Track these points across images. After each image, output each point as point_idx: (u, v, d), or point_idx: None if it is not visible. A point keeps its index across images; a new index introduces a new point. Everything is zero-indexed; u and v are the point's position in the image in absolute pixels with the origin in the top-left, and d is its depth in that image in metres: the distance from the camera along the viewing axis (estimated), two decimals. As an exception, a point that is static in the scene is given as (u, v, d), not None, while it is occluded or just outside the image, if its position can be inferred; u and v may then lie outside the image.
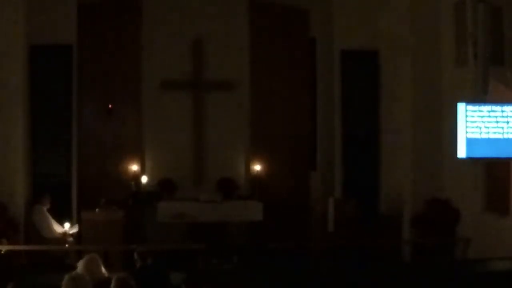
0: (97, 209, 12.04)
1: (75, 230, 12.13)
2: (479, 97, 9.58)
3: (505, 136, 9.13)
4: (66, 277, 6.18)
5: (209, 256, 11.64)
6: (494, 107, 9.15)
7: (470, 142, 9.09)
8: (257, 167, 14.59)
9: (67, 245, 11.83)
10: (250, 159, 14.80)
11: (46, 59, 13.09)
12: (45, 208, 12.10)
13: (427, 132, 12.26)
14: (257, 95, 14.89)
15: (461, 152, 9.17)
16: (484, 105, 9.18)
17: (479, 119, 9.12)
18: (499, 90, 9.96)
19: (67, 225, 12.04)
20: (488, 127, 9.12)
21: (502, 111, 9.14)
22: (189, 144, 14.68)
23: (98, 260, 7.16)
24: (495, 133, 9.12)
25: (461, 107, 9.14)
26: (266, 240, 13.13)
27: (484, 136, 9.12)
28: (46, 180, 13.03)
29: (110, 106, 14.23)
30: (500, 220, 10.65)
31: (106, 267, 7.26)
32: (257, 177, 14.57)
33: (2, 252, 11.02)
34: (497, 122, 9.13)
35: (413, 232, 12.24)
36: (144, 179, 14.12)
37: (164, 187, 14.32)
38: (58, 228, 12.08)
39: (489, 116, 9.12)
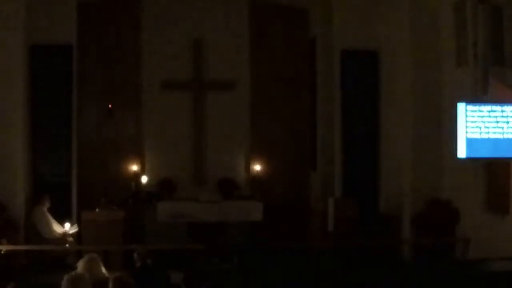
0: (97, 209, 12.04)
1: (75, 230, 12.13)
2: (479, 97, 9.58)
3: (505, 136, 9.13)
4: (66, 277, 6.17)
5: (209, 256, 11.64)
6: (494, 107, 9.15)
7: (470, 142, 9.09)
8: (257, 167, 14.60)
9: (67, 245, 11.84)
10: (250, 159, 14.81)
11: (46, 59, 13.09)
12: (45, 208, 12.11)
13: (427, 132, 12.25)
14: (257, 95, 14.90)
15: (461, 152, 9.17)
16: (484, 105, 9.18)
17: (479, 119, 9.12)
18: (499, 90, 9.95)
19: (67, 225, 12.04)
20: (488, 127, 9.12)
21: (502, 111, 9.14)
22: (189, 144, 14.68)
23: (98, 259, 7.16)
24: (495, 133, 9.12)
25: (461, 107, 9.14)
26: (266, 240, 13.16)
27: (484, 136, 9.12)
28: (46, 180, 13.03)
29: (110, 106, 14.23)
30: (500, 220, 10.65)
31: (106, 267, 7.25)
32: (257, 177, 14.57)
33: (2, 252, 11.02)
34: (497, 122, 9.13)
35: (413, 232, 12.23)
36: (144, 179, 14.13)
37: (164, 187, 14.33)
38: (58, 229, 12.08)
39: (489, 116, 9.13)
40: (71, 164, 13.28)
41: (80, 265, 7.11)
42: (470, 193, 11.36)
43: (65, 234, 11.99)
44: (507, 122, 9.14)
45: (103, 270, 7.15)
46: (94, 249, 9.08)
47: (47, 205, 12.14)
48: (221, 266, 11.59)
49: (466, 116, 9.11)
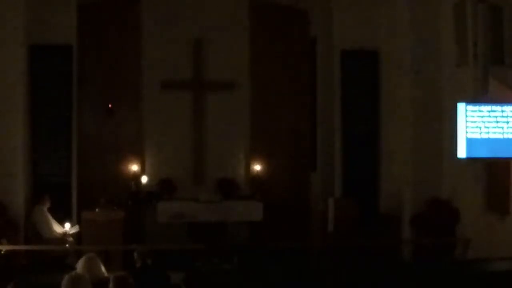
0: (97, 209, 12.04)
1: (75, 230, 12.13)
2: (479, 97, 9.59)
3: (505, 136, 9.14)
4: (66, 277, 6.17)
5: (209, 256, 11.64)
6: (494, 107, 9.15)
7: (470, 142, 9.10)
8: (257, 167, 14.59)
9: (67, 245, 11.84)
10: (250, 159, 14.80)
11: (46, 59, 13.09)
12: (45, 208, 12.11)
13: (427, 132, 12.25)
14: (257, 95, 14.89)
15: (461, 152, 9.18)
16: (484, 105, 9.19)
17: (479, 119, 9.12)
18: (499, 90, 9.96)
19: (67, 225, 12.04)
20: (488, 127, 9.13)
21: (502, 111, 9.15)
22: (189, 144, 14.68)
23: (97, 259, 7.16)
24: (495, 133, 9.13)
25: (461, 107, 9.15)
26: (266, 240, 13.16)
27: (484, 136, 9.12)
28: (46, 180, 13.03)
29: (110, 106, 14.24)
30: (500, 220, 10.65)
31: (106, 267, 7.25)
32: (257, 177, 14.56)
33: (2, 252, 11.02)
34: (497, 122, 9.14)
35: (413, 232, 12.24)
36: (144, 179, 14.12)
37: (163, 187, 14.32)
38: (58, 229, 12.08)
39: (489, 116, 9.13)
40: (71, 164, 13.28)
41: (80, 265, 7.11)
42: (470, 193, 11.36)
43: (65, 234, 11.99)
44: (507, 122, 9.14)
45: (103, 269, 7.15)
46: (94, 249, 9.08)
47: (47, 205, 12.15)
48: (221, 266, 11.59)
49: (466, 116, 9.11)
